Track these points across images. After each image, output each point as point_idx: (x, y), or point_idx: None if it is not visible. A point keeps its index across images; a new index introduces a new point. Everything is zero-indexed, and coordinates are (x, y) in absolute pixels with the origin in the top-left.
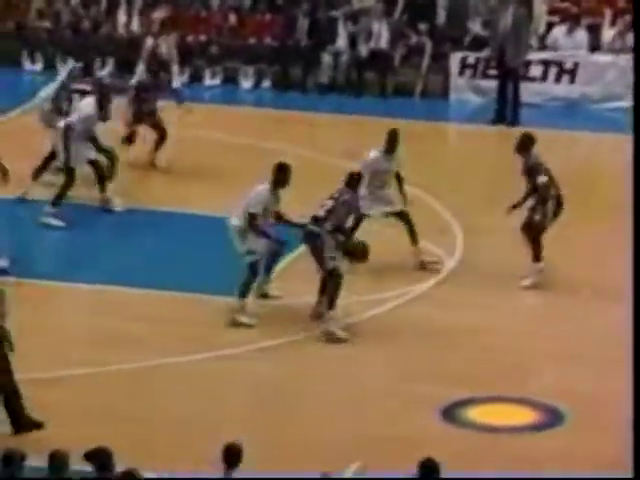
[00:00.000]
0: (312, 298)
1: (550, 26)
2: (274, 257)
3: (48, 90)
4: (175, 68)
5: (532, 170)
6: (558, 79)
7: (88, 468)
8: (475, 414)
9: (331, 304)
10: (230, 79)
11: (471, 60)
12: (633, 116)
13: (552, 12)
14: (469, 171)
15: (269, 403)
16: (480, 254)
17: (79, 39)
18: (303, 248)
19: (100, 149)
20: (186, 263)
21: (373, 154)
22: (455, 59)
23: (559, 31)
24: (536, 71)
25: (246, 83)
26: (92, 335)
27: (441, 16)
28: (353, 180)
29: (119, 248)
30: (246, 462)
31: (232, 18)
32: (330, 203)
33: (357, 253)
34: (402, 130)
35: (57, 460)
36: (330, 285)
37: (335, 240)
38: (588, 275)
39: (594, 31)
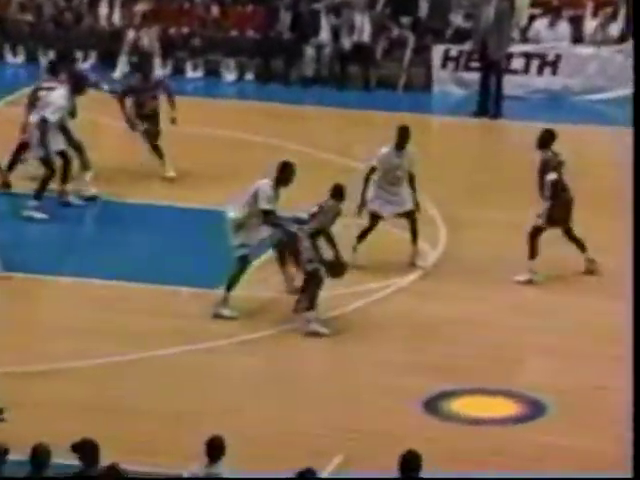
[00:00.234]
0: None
1: (532, 18)
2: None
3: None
4: (157, 61)
5: (544, 166)
6: (540, 71)
7: (71, 462)
8: (457, 406)
9: (311, 304)
10: (212, 72)
11: (453, 53)
12: (633, 113)
13: (534, 4)
14: (452, 163)
15: (250, 396)
16: (463, 246)
17: (61, 32)
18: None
19: (70, 141)
20: (171, 256)
21: (384, 150)
22: (437, 52)
23: (541, 23)
24: (518, 63)
25: (229, 76)
26: (74, 328)
27: (423, 9)
28: (337, 191)
29: (101, 241)
30: (228, 456)
31: (214, 10)
32: (315, 209)
33: (334, 269)
34: (385, 122)
35: (39, 454)
36: (310, 286)
37: (313, 243)
38: (574, 269)
39: (576, 23)
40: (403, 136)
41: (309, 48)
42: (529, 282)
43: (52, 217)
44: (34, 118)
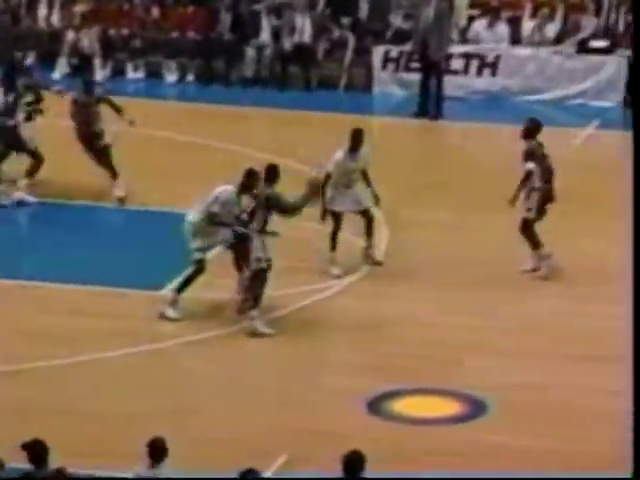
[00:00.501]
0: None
1: (471, 19)
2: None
3: None
4: (97, 62)
5: (528, 156)
6: (480, 72)
7: (17, 465)
8: (401, 406)
9: (256, 302)
10: (153, 73)
11: (394, 53)
12: (633, 115)
13: (473, 5)
14: (393, 164)
15: (195, 397)
16: (405, 247)
17: None
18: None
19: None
20: (114, 258)
21: (339, 154)
22: (378, 53)
23: (480, 24)
24: (458, 64)
25: (169, 77)
26: (21, 331)
27: (363, 10)
28: (271, 174)
29: (48, 244)
30: (174, 456)
31: (155, 11)
32: (251, 205)
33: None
34: (326, 123)
35: None
36: (255, 284)
37: (262, 240)
38: (515, 268)
39: (514, 24)
40: (357, 139)
41: (250, 49)
42: (534, 271)
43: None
44: (11, 122)
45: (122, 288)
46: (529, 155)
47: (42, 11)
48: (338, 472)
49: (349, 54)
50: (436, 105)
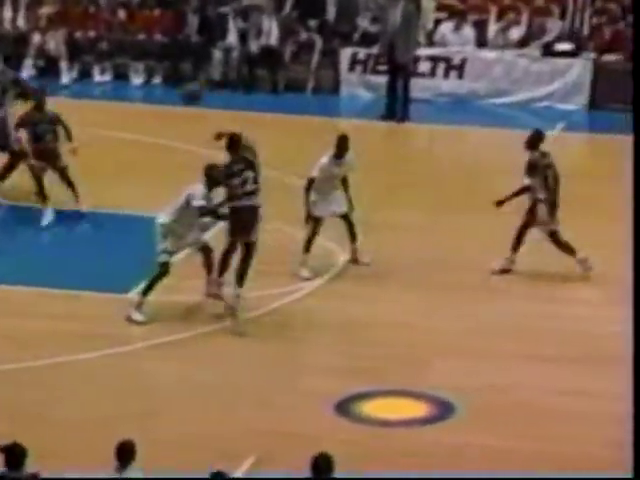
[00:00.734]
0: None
1: (438, 22)
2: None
3: None
4: (64, 64)
5: (531, 168)
6: (446, 75)
7: None
8: (368, 408)
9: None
10: (120, 75)
11: (361, 56)
12: (633, 116)
13: (439, 9)
14: (361, 166)
15: (163, 399)
16: (374, 249)
17: None
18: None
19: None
20: (80, 260)
21: (324, 160)
22: (345, 55)
23: (446, 27)
24: (425, 67)
25: (136, 79)
26: None
27: (331, 12)
28: (233, 143)
29: (14, 246)
30: (140, 459)
31: (121, 14)
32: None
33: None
34: (294, 126)
35: None
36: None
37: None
38: (482, 271)
39: (480, 27)
40: (342, 146)
41: (217, 51)
42: (503, 272)
43: None
44: None
45: (89, 291)
46: (531, 168)
47: (7, 13)
48: (307, 473)
49: (316, 56)
50: (403, 107)
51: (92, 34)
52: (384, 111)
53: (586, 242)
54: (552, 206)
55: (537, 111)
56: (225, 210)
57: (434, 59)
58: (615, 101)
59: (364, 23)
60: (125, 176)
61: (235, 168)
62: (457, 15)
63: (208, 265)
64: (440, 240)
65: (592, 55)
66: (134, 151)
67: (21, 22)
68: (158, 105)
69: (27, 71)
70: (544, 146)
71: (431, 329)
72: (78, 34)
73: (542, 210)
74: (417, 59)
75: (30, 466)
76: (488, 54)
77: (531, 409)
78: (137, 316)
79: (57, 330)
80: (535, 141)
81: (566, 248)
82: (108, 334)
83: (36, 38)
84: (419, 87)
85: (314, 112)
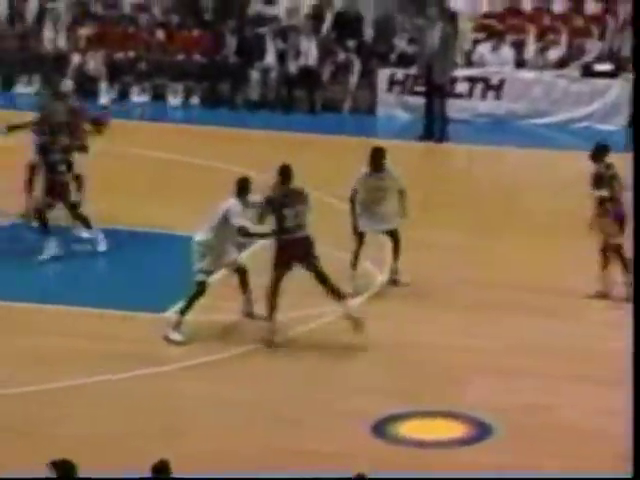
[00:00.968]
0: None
1: (476, 43)
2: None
3: None
4: (103, 85)
5: (596, 181)
6: (484, 95)
7: None
8: (405, 429)
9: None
10: (158, 96)
11: (399, 76)
12: (633, 126)
13: (478, 29)
14: None
15: (198, 419)
16: (410, 268)
17: (5, 55)
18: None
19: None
20: (122, 280)
21: (362, 172)
22: (383, 75)
23: (484, 48)
24: (462, 87)
25: (174, 100)
26: (23, 354)
27: (368, 33)
28: (286, 174)
29: (53, 266)
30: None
31: (160, 34)
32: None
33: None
34: (331, 146)
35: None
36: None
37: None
38: (522, 290)
39: (519, 48)
40: (376, 158)
41: (255, 72)
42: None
43: None
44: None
45: (125, 311)
46: (597, 180)
47: (48, 34)
48: None
49: (354, 77)
50: (441, 128)
51: (131, 54)
52: (422, 132)
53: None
54: (620, 218)
55: (576, 132)
56: (263, 231)
57: (472, 80)
58: None
59: (401, 44)
60: (162, 195)
61: (287, 200)
62: (495, 36)
63: (244, 284)
64: (478, 259)
65: (631, 76)
66: (171, 170)
67: (61, 42)
68: (195, 125)
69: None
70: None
71: (470, 348)
72: (118, 54)
73: (609, 222)
74: (455, 80)
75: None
76: (527, 75)
77: (572, 430)
78: (175, 336)
79: (94, 350)
80: (600, 154)
81: (626, 265)
82: (143, 354)
83: (76, 58)
84: (457, 108)
85: (351, 132)
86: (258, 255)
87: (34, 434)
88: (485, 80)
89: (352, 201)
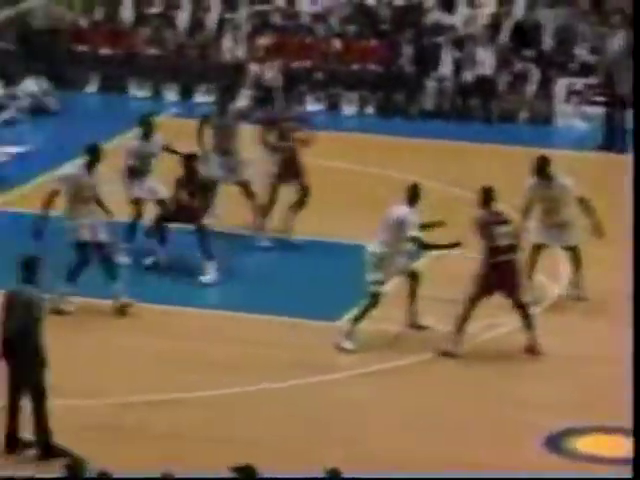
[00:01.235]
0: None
1: None
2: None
3: None
4: (280, 94)
5: None
6: None
7: None
8: (580, 444)
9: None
10: (333, 105)
11: (578, 86)
12: (633, 129)
13: None
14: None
15: (369, 427)
16: (588, 282)
17: (185, 65)
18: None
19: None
20: (295, 288)
21: (529, 181)
22: (561, 85)
23: None
24: None
25: (349, 109)
26: (191, 359)
27: (547, 42)
28: (486, 195)
29: (224, 274)
30: None
31: (337, 44)
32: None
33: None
34: (508, 156)
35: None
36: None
37: None
38: None
39: None
40: (540, 166)
41: (430, 81)
42: None
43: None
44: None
45: (298, 318)
46: None
47: (227, 43)
48: None
49: (532, 87)
50: (622, 138)
51: (307, 64)
52: (601, 141)
53: None
54: None
55: None
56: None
57: None
58: None
59: (582, 53)
60: (336, 204)
61: (493, 219)
62: None
63: (412, 294)
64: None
65: None
66: (345, 179)
67: (240, 52)
68: (370, 134)
69: (243, 101)
70: None
71: None
72: (294, 64)
73: None
74: None
75: None
76: None
77: None
78: (347, 344)
79: (266, 356)
80: None
81: None
82: (315, 362)
83: (254, 68)
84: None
85: (528, 142)
86: (430, 266)
87: (212, 439)
88: None
89: (525, 210)
